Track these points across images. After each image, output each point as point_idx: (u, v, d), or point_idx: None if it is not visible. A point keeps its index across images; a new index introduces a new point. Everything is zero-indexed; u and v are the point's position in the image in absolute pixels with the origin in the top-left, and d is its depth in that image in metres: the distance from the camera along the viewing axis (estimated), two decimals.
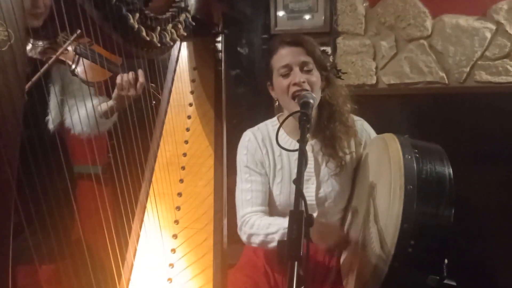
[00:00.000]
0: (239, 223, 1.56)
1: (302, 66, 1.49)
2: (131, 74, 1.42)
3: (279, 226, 1.44)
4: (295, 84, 1.47)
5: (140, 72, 1.47)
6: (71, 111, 1.51)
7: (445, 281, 1.21)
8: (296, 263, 0.94)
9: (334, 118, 1.58)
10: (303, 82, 1.47)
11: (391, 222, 1.22)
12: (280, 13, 2.33)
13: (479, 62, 2.13)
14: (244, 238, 1.54)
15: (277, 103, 1.64)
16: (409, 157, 1.28)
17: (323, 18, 2.27)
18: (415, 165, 1.26)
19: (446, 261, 1.23)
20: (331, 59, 1.64)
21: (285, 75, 1.50)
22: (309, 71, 1.50)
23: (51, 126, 1.52)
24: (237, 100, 2.45)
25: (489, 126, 2.14)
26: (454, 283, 1.22)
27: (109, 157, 1.36)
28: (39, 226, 1.15)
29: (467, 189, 2.18)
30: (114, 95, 1.54)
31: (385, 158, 1.37)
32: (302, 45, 1.50)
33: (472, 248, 2.20)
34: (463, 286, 2.22)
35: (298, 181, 1.10)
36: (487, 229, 2.20)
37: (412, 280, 1.24)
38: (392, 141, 1.38)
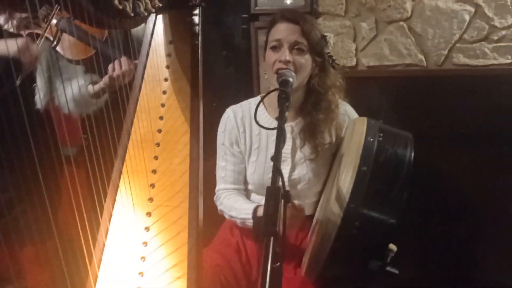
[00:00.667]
0: (215, 195, 1.68)
1: (293, 45, 1.48)
2: (124, 63, 1.40)
3: (238, 212, 1.54)
4: (280, 61, 1.46)
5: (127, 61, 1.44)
6: (59, 89, 1.46)
7: (388, 268, 1.19)
8: (272, 239, 0.94)
9: (320, 107, 1.57)
10: (289, 61, 1.45)
11: (340, 201, 1.21)
12: None
13: (457, 45, 2.13)
14: (218, 210, 1.66)
15: (266, 75, 1.63)
16: (371, 139, 1.28)
17: None
18: (375, 148, 1.26)
19: (394, 248, 1.20)
20: (330, 46, 1.61)
21: (275, 50, 1.50)
22: (300, 52, 1.49)
23: (39, 105, 1.47)
24: (216, 80, 2.42)
25: (466, 109, 2.16)
26: (396, 271, 1.20)
27: (85, 138, 1.31)
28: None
29: (444, 169, 2.22)
30: (104, 80, 1.52)
31: (349, 140, 1.37)
32: (299, 23, 1.48)
33: (448, 227, 2.24)
34: (437, 268, 2.29)
35: (276, 158, 1.10)
36: (463, 208, 2.23)
37: (353, 262, 1.24)
38: (360, 124, 1.39)
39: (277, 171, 1.06)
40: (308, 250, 1.45)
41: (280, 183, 1.03)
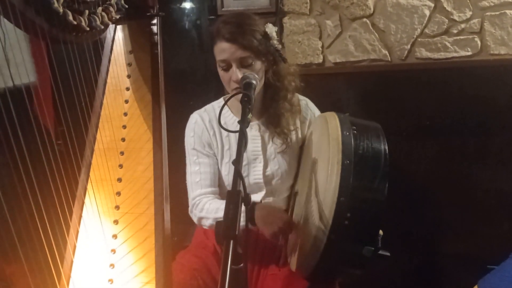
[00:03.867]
0: (190, 205, 1.62)
1: (241, 61, 1.46)
2: None
3: None
4: (235, 81, 1.46)
5: None
6: None
7: (380, 252, 1.28)
8: (232, 242, 0.97)
9: (279, 96, 1.60)
10: None
11: (329, 195, 1.26)
12: None
13: (419, 39, 2.19)
14: (195, 220, 1.61)
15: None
16: (347, 133, 1.34)
17: None
18: (352, 141, 1.32)
19: (381, 233, 1.29)
20: (275, 40, 1.59)
21: (225, 69, 1.49)
22: (248, 66, 1.47)
23: None
24: (190, 80, 2.45)
25: (430, 101, 2.23)
26: (388, 254, 1.28)
27: (58, 144, 1.31)
28: None
29: (410, 160, 2.29)
30: None
31: (325, 135, 1.42)
32: (238, 41, 1.44)
33: (417, 215, 2.32)
34: (409, 255, 2.36)
35: (237, 162, 1.12)
36: (430, 197, 2.31)
37: (348, 251, 1.30)
38: (332, 119, 1.43)
39: (238, 175, 1.08)
40: (296, 246, 1.48)
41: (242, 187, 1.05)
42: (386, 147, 1.34)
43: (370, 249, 1.26)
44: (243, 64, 1.47)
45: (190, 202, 1.62)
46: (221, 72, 1.52)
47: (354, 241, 1.28)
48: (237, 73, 1.45)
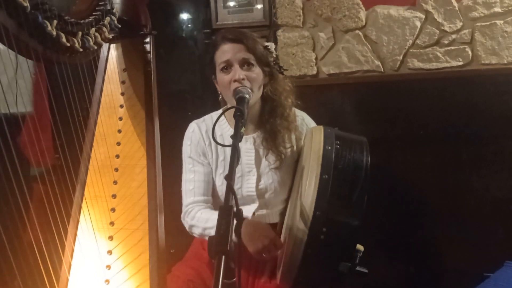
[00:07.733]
0: (182, 212, 1.64)
1: (243, 62, 1.53)
2: None
3: (215, 222, 1.47)
4: (235, 81, 1.50)
5: None
6: None
7: (357, 268, 1.27)
8: (223, 257, 0.98)
9: (276, 113, 1.63)
10: (243, 79, 1.50)
11: (306, 209, 1.27)
12: (221, 8, 2.34)
13: (411, 50, 2.23)
14: (186, 227, 1.63)
15: (220, 96, 1.68)
16: (329, 148, 1.35)
17: (263, 11, 2.30)
18: (333, 156, 1.33)
19: (362, 248, 1.28)
20: (274, 54, 1.66)
21: (226, 71, 1.54)
22: (249, 68, 1.53)
23: None
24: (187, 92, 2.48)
25: (423, 110, 2.25)
26: (365, 271, 1.27)
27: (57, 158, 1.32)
28: None
29: (404, 169, 2.31)
30: None
31: (309, 149, 1.43)
32: (243, 41, 1.53)
33: (413, 224, 2.33)
34: (405, 264, 2.37)
35: (229, 177, 1.13)
36: (425, 205, 2.33)
37: (325, 266, 1.30)
38: (317, 133, 1.45)
39: (230, 190, 1.10)
40: (282, 257, 1.50)
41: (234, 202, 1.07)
42: (368, 162, 1.34)
43: (347, 265, 1.26)
44: (244, 65, 1.52)
45: (183, 209, 1.64)
46: (221, 76, 1.55)
47: (331, 256, 1.27)
48: (238, 72, 1.50)
